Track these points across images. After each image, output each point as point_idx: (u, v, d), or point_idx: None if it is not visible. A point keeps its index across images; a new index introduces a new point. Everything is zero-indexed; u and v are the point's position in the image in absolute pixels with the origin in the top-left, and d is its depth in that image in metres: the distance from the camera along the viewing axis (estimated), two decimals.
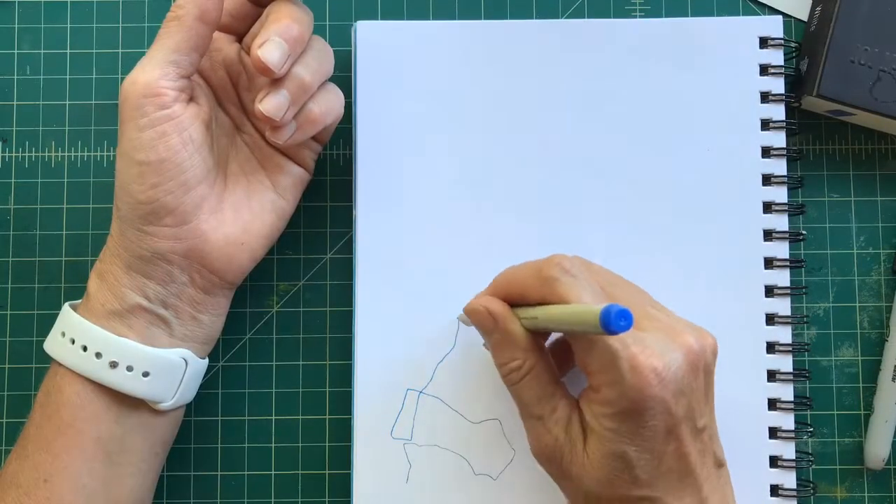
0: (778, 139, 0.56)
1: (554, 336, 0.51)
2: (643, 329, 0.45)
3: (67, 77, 0.59)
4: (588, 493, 0.46)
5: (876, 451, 0.56)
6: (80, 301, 0.51)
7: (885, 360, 0.57)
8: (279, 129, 0.49)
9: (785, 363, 0.55)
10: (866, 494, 0.57)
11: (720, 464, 0.47)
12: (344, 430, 0.57)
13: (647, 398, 0.42)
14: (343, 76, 0.57)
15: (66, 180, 0.58)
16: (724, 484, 0.47)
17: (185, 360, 0.51)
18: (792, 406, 0.55)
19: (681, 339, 0.45)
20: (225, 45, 0.53)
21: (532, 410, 0.47)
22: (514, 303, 0.48)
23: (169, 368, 0.50)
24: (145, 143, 0.47)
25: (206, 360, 0.53)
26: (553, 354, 0.49)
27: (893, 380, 0.56)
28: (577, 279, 0.45)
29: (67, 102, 0.59)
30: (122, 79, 0.48)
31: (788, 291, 0.55)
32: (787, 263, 0.56)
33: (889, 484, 0.57)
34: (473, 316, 0.48)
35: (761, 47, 0.57)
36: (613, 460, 0.44)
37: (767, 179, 0.56)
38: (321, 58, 0.50)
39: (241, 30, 0.53)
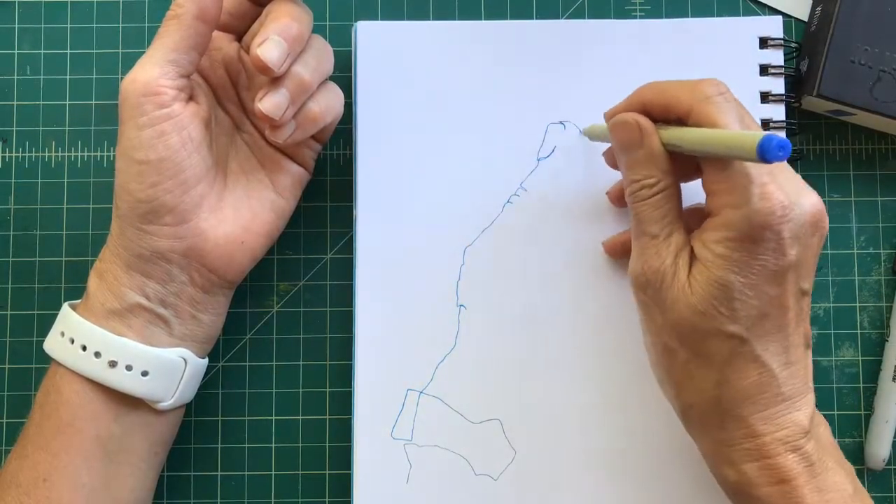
0: None
1: None
2: (779, 174, 0.45)
3: (67, 77, 0.59)
4: (678, 322, 0.45)
5: (876, 452, 0.56)
6: (79, 301, 0.51)
7: (885, 361, 0.57)
8: (279, 128, 0.49)
9: None
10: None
11: (808, 343, 0.47)
12: (344, 431, 0.57)
13: (768, 227, 0.43)
14: (343, 76, 0.57)
15: (66, 180, 0.58)
16: (808, 363, 0.46)
17: (185, 360, 0.51)
18: None
19: (810, 195, 0.45)
20: (224, 43, 0.53)
21: (649, 228, 0.47)
22: (658, 116, 0.47)
23: (168, 368, 0.50)
24: (145, 142, 0.47)
25: (206, 360, 0.53)
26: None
27: (894, 380, 0.56)
28: (730, 104, 0.45)
29: (67, 102, 0.59)
30: (123, 78, 0.48)
31: None
32: None
33: (889, 484, 0.57)
34: (621, 127, 0.48)
35: (761, 47, 0.57)
36: (716, 289, 0.44)
37: None
38: (321, 57, 0.50)
39: (240, 29, 0.53)
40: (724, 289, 0.44)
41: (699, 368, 0.46)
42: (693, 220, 0.48)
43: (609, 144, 0.54)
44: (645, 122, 0.47)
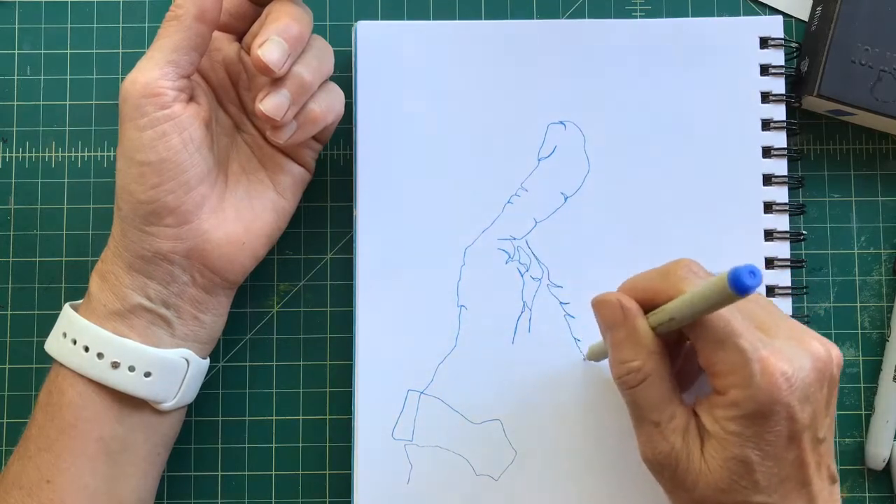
0: (778, 139, 0.56)
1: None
2: (772, 335, 0.44)
3: (68, 77, 0.59)
4: (703, 501, 0.45)
5: (877, 451, 0.56)
6: (80, 301, 0.51)
7: (885, 360, 0.57)
8: (280, 129, 0.49)
9: None
10: (867, 495, 0.57)
11: (834, 479, 0.46)
12: (345, 431, 0.57)
13: (776, 402, 0.42)
14: (343, 76, 0.57)
15: (66, 180, 0.58)
16: (836, 500, 0.46)
17: (187, 360, 0.51)
18: None
19: (810, 346, 0.44)
20: (224, 44, 0.53)
21: (648, 416, 0.46)
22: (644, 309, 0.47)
23: (171, 368, 0.50)
24: (145, 144, 0.47)
25: (208, 360, 0.53)
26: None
27: (894, 380, 0.56)
28: (703, 280, 0.44)
29: (68, 102, 0.59)
30: (123, 79, 0.48)
31: (789, 291, 0.56)
32: (788, 263, 0.56)
33: (890, 484, 0.57)
34: (603, 307, 0.47)
35: (762, 47, 0.57)
36: (735, 465, 0.43)
37: (768, 179, 0.56)
38: (321, 57, 0.50)
39: (240, 29, 0.53)
40: (744, 464, 0.43)
41: None
42: (681, 372, 0.48)
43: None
44: (628, 302, 0.46)
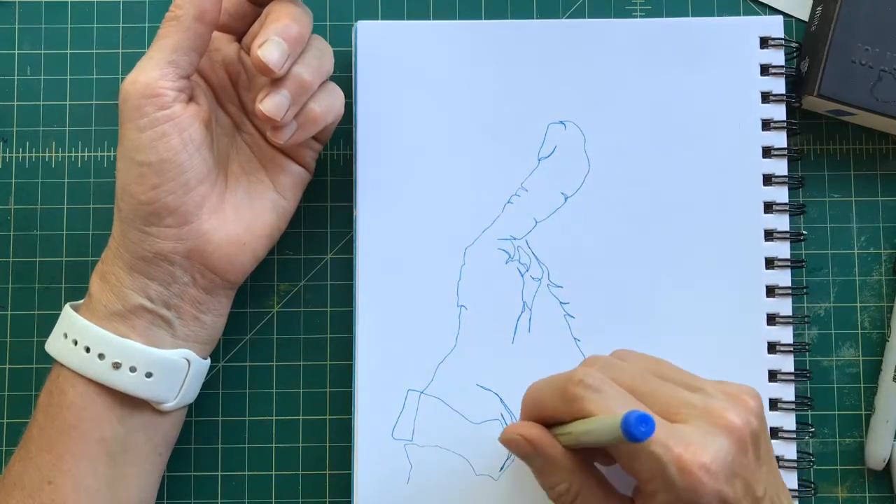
0: (779, 139, 0.56)
1: None
2: (681, 420, 0.43)
3: (68, 77, 0.59)
4: None
5: (877, 452, 0.56)
6: (81, 302, 0.51)
7: (886, 361, 0.57)
8: (280, 129, 0.49)
9: (786, 363, 0.55)
10: (867, 495, 0.57)
11: None
12: (345, 431, 0.57)
13: (702, 495, 0.41)
14: (343, 76, 0.57)
15: (66, 180, 0.58)
16: None
17: (188, 361, 0.51)
18: (793, 406, 0.55)
19: (722, 421, 0.43)
20: (224, 44, 0.53)
21: None
22: (546, 423, 0.46)
23: (172, 369, 0.50)
24: (145, 144, 0.47)
25: (208, 361, 0.53)
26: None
27: (894, 380, 0.56)
28: (601, 393, 0.43)
29: (68, 103, 0.59)
30: (123, 79, 0.48)
31: (789, 291, 0.55)
32: (788, 263, 0.56)
33: (890, 484, 0.57)
34: (511, 446, 0.47)
35: (762, 47, 0.57)
36: None
37: (768, 179, 0.56)
38: (321, 57, 0.50)
39: (240, 29, 0.53)
40: None
41: None
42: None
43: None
44: (532, 433, 0.45)
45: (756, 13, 0.59)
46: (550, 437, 0.45)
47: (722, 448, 0.42)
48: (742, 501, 0.43)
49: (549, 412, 0.46)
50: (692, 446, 0.42)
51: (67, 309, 0.50)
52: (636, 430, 0.38)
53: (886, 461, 0.56)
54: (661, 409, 0.44)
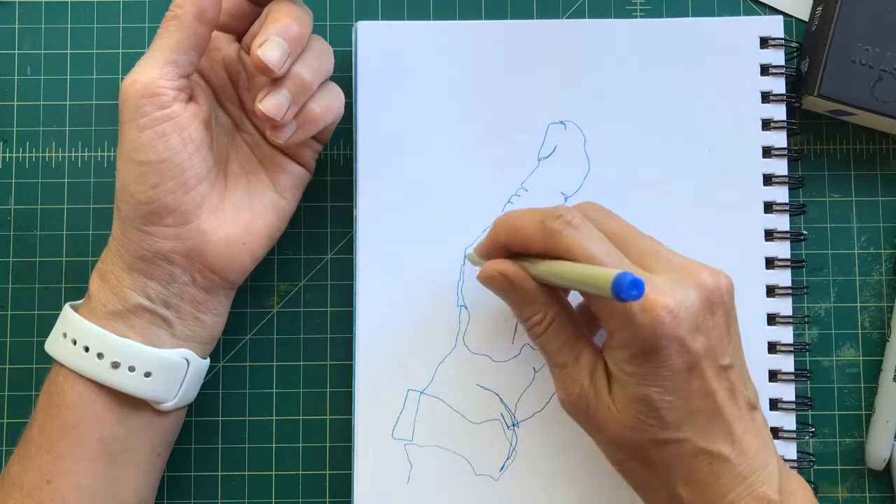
0: (779, 139, 0.56)
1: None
2: (654, 272, 0.45)
3: (68, 77, 0.59)
4: (617, 440, 0.46)
5: (877, 452, 0.56)
6: (80, 302, 0.51)
7: (886, 361, 0.57)
8: (280, 129, 0.49)
9: (786, 363, 0.55)
10: (867, 495, 0.57)
11: (752, 406, 0.46)
12: (345, 431, 0.57)
13: (661, 336, 0.42)
14: (343, 76, 0.57)
15: (66, 180, 0.58)
16: (759, 425, 0.46)
17: (187, 360, 0.51)
18: (793, 406, 0.55)
19: (694, 277, 0.44)
20: (224, 44, 0.53)
21: (557, 360, 0.47)
22: (518, 252, 0.48)
23: (171, 368, 0.50)
24: (145, 144, 0.47)
25: (208, 360, 0.53)
26: (581, 311, 0.50)
27: (895, 380, 0.56)
28: (579, 231, 0.45)
29: (68, 103, 0.59)
30: (123, 79, 0.48)
31: (789, 291, 0.55)
32: (789, 263, 0.56)
33: (890, 484, 0.57)
34: (487, 281, 0.48)
35: (762, 47, 0.57)
36: (638, 404, 0.44)
37: (768, 179, 0.56)
38: (321, 57, 0.50)
39: (240, 29, 0.53)
40: (645, 403, 0.44)
41: (652, 475, 0.46)
42: (589, 313, 0.49)
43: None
44: (507, 269, 0.47)
45: (756, 13, 0.59)
46: (524, 272, 0.47)
47: (688, 299, 0.43)
48: (704, 360, 0.44)
49: (524, 240, 0.47)
50: (659, 289, 0.43)
51: (67, 309, 0.50)
52: (627, 292, 0.38)
53: (887, 461, 0.56)
54: (636, 257, 0.45)
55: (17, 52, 0.59)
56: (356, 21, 0.58)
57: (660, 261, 0.45)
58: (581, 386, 0.46)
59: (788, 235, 0.56)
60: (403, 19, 0.59)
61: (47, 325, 0.52)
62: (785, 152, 0.56)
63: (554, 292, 0.47)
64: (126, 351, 0.49)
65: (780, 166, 0.56)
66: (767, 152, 0.56)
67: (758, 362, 0.55)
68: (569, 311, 0.48)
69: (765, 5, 0.59)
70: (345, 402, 0.57)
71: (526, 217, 0.47)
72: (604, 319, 0.45)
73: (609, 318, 0.44)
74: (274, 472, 0.57)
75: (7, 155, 0.58)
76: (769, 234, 0.56)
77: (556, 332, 0.47)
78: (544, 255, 0.46)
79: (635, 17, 0.59)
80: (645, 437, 0.44)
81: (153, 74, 0.47)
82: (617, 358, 0.44)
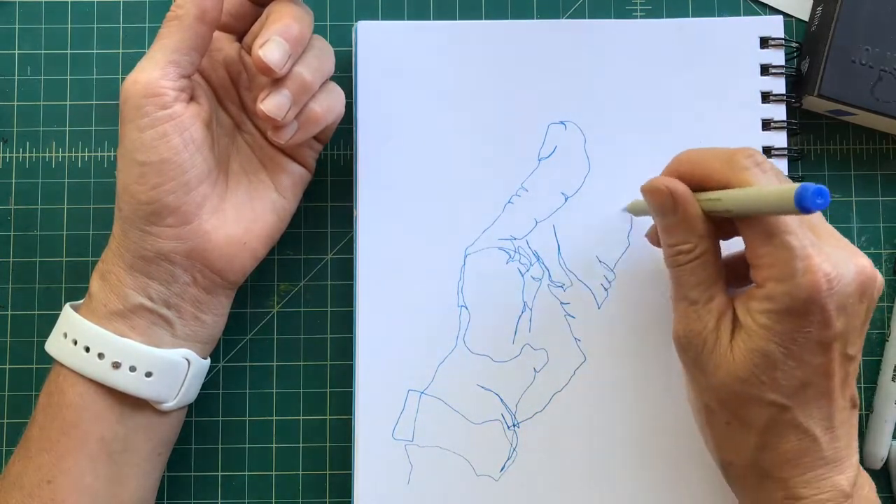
0: (779, 139, 0.56)
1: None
2: (823, 240, 0.44)
3: (68, 77, 0.59)
4: (719, 387, 0.45)
5: (875, 451, 0.56)
6: (81, 302, 0.51)
7: (884, 361, 0.57)
8: (281, 129, 0.49)
9: None
10: None
11: (854, 403, 0.46)
12: (345, 431, 0.57)
13: (812, 301, 0.42)
14: (344, 76, 0.57)
15: (66, 180, 0.58)
16: (853, 424, 0.46)
17: (188, 360, 0.51)
18: None
19: (858, 258, 0.44)
20: (225, 44, 0.53)
21: (689, 293, 0.47)
22: (694, 186, 0.47)
23: (172, 368, 0.50)
24: (146, 144, 0.47)
25: (208, 360, 0.53)
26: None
27: (893, 380, 0.56)
28: (767, 174, 0.44)
29: (68, 103, 0.59)
30: (123, 79, 0.48)
31: None
32: None
33: (889, 483, 0.57)
34: (653, 195, 0.47)
35: (762, 47, 0.57)
36: (758, 358, 0.44)
37: None
38: (322, 57, 0.50)
39: (241, 29, 0.53)
40: (767, 359, 0.44)
41: (739, 431, 0.46)
42: (735, 269, 0.48)
43: (652, 223, 0.53)
44: (678, 187, 0.46)
45: (756, 13, 0.59)
46: (693, 196, 0.46)
47: (848, 276, 0.43)
48: (836, 342, 0.44)
49: (705, 173, 0.46)
50: (825, 256, 0.43)
51: (67, 309, 0.50)
52: (812, 200, 0.38)
53: (884, 461, 0.56)
54: (806, 220, 0.45)
55: (17, 52, 0.59)
56: (356, 21, 0.58)
57: (827, 234, 0.45)
58: (705, 326, 0.46)
59: None
60: (403, 19, 0.59)
61: (47, 325, 0.52)
62: (785, 152, 0.56)
63: (710, 227, 0.46)
64: (127, 351, 0.49)
65: (780, 166, 0.56)
66: (767, 152, 0.56)
67: None
68: (717, 251, 0.47)
69: (765, 5, 0.59)
70: (345, 402, 0.57)
71: (712, 151, 0.47)
72: (760, 268, 0.44)
73: (767, 267, 0.43)
74: (274, 472, 0.57)
75: (7, 155, 0.58)
76: None
77: (699, 267, 0.46)
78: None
79: (635, 17, 0.59)
80: (752, 393, 0.44)
81: (154, 74, 0.47)
82: (755, 308, 0.44)
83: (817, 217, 0.46)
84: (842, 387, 0.45)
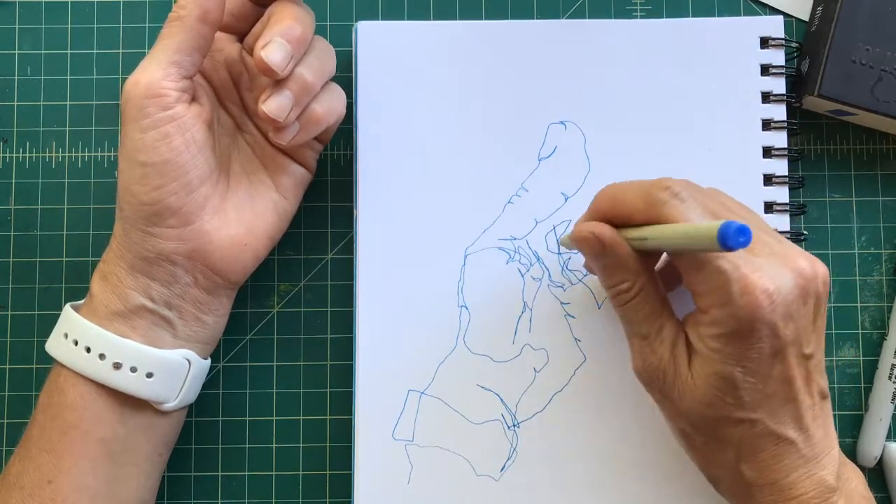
0: (779, 139, 0.56)
1: (663, 258, 0.51)
2: (755, 253, 0.44)
3: (68, 77, 0.59)
4: (689, 414, 0.46)
5: (869, 450, 0.56)
6: (81, 302, 0.51)
7: (882, 359, 0.57)
8: (282, 130, 0.49)
9: None
10: None
11: (824, 395, 0.47)
12: (345, 431, 0.57)
13: (757, 320, 0.42)
14: (344, 76, 0.57)
15: (66, 181, 0.58)
16: (826, 415, 0.47)
17: (189, 361, 0.51)
18: None
19: (793, 263, 0.44)
20: (226, 44, 0.53)
21: (639, 329, 0.47)
22: (619, 224, 0.47)
23: (172, 369, 0.50)
24: (148, 145, 0.47)
25: (209, 361, 0.53)
26: (659, 274, 0.50)
27: (889, 378, 0.56)
28: (686, 202, 0.45)
29: (68, 103, 0.59)
30: (123, 79, 0.48)
31: None
32: None
33: (883, 482, 0.57)
34: (581, 243, 0.48)
35: (762, 47, 0.57)
36: (718, 381, 0.44)
37: (769, 179, 0.56)
38: (323, 58, 0.50)
39: (242, 30, 0.53)
40: (726, 381, 0.44)
41: (717, 450, 0.47)
42: (671, 278, 0.49)
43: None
44: (604, 232, 0.47)
45: (756, 13, 0.59)
46: (619, 237, 0.47)
47: (787, 284, 0.43)
48: (789, 348, 0.44)
49: (626, 211, 0.46)
50: (760, 272, 0.43)
51: (68, 309, 0.50)
52: (734, 239, 0.38)
53: (878, 459, 0.56)
54: None
55: (17, 52, 0.59)
56: (356, 21, 0.58)
57: (760, 243, 0.45)
58: (661, 358, 0.46)
59: (789, 235, 0.56)
60: (403, 19, 0.59)
61: (47, 325, 0.52)
62: (785, 152, 0.56)
63: (644, 262, 0.47)
64: (128, 352, 0.49)
65: (780, 166, 0.56)
66: (768, 152, 0.56)
67: None
68: (655, 283, 0.47)
69: (765, 5, 0.59)
70: (345, 402, 0.57)
71: (630, 187, 0.47)
72: (699, 295, 0.45)
73: (706, 295, 0.44)
74: (274, 472, 0.57)
75: (7, 155, 0.58)
76: None
77: (642, 303, 0.47)
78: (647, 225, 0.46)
79: (635, 17, 0.59)
80: (720, 414, 0.45)
81: (156, 75, 0.47)
82: (704, 334, 0.44)
83: (749, 220, 0.46)
84: (806, 386, 0.45)
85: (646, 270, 0.47)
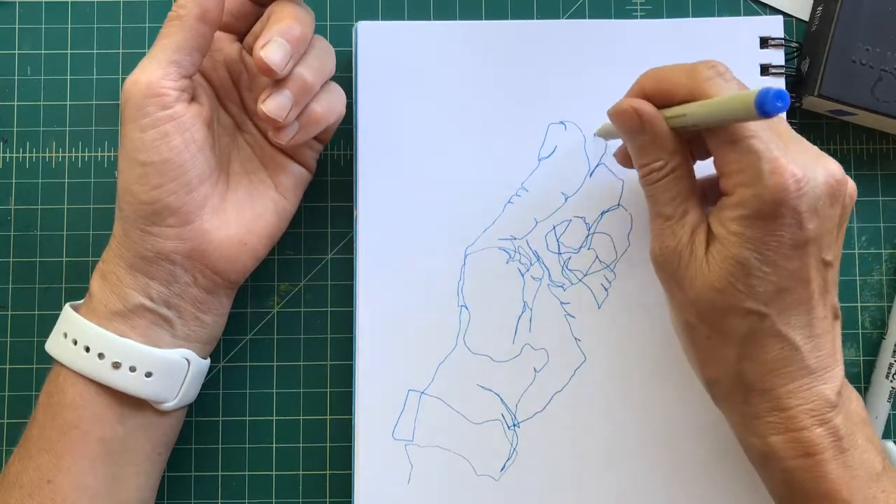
0: None
1: None
2: (790, 148, 0.44)
3: (68, 77, 0.59)
4: (697, 300, 0.46)
5: None
6: (81, 302, 0.51)
7: (880, 358, 0.57)
8: (282, 130, 0.49)
9: None
10: None
11: (836, 314, 0.46)
12: (345, 431, 0.57)
13: (782, 203, 0.42)
14: (344, 76, 0.57)
15: (66, 181, 0.58)
16: (836, 334, 0.46)
17: (188, 360, 0.51)
18: None
19: (826, 163, 0.44)
20: (226, 44, 0.53)
21: (663, 210, 0.47)
22: (660, 103, 0.47)
23: (172, 369, 0.50)
24: (147, 144, 0.47)
25: (208, 361, 0.53)
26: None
27: (887, 377, 0.56)
28: (729, 83, 0.45)
29: (68, 103, 0.59)
30: (123, 79, 0.48)
31: None
32: None
33: None
34: (620, 116, 0.48)
35: (762, 47, 0.57)
36: (732, 266, 0.44)
37: None
38: (323, 57, 0.50)
39: (241, 29, 0.53)
40: (741, 266, 0.44)
41: (720, 345, 0.46)
42: (710, 191, 0.48)
43: (620, 143, 0.54)
44: (643, 107, 0.47)
45: (756, 13, 0.59)
46: (659, 113, 0.46)
47: (817, 177, 0.43)
48: (811, 245, 0.44)
49: (667, 89, 0.46)
50: (793, 159, 0.43)
51: (67, 309, 0.50)
52: (771, 104, 0.38)
53: None
54: (775, 131, 0.45)
55: (17, 52, 0.59)
56: (356, 21, 0.58)
57: (794, 140, 0.45)
58: (679, 240, 0.46)
59: None
60: (403, 19, 0.59)
61: (47, 325, 0.52)
62: None
63: (680, 143, 0.47)
64: (127, 351, 0.49)
65: None
66: None
67: None
68: (688, 166, 0.47)
69: (765, 5, 0.59)
70: (345, 402, 0.57)
71: (675, 66, 0.47)
72: (727, 175, 0.44)
73: (735, 174, 0.44)
74: (274, 472, 0.57)
75: (7, 155, 0.58)
76: None
77: (672, 183, 0.46)
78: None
79: (635, 17, 0.59)
80: (729, 302, 0.44)
81: (156, 75, 0.47)
82: (727, 217, 0.44)
83: (784, 125, 0.46)
84: (821, 295, 0.45)
85: (681, 152, 0.47)
